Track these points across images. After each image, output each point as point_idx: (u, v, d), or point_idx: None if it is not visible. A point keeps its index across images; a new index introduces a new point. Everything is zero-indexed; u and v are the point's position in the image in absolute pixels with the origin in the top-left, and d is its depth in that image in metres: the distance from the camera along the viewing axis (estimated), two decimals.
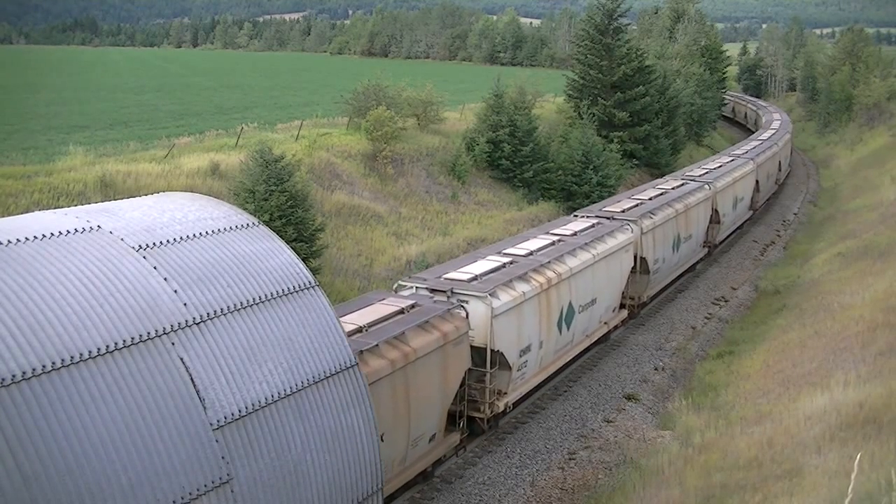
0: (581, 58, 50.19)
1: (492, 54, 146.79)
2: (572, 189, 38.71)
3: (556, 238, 22.03)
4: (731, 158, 41.71)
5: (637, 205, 27.62)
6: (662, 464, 15.38)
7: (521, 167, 38.43)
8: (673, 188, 31.46)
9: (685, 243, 29.90)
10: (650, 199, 28.84)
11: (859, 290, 23.75)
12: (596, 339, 23.05)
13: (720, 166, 38.30)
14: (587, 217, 25.40)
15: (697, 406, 18.93)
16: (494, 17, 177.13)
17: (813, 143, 76.69)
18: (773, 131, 56.44)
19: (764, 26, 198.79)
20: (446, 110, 43.48)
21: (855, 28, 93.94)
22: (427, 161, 37.03)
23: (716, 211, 33.60)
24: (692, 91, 62.42)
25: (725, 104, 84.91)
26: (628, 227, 24.69)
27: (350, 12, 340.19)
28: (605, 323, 23.47)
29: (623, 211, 26.35)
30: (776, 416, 15.60)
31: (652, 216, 26.54)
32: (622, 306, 24.81)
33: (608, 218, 25.25)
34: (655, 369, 23.05)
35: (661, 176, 41.05)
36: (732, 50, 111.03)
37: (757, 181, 41.68)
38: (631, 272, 24.71)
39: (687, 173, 36.21)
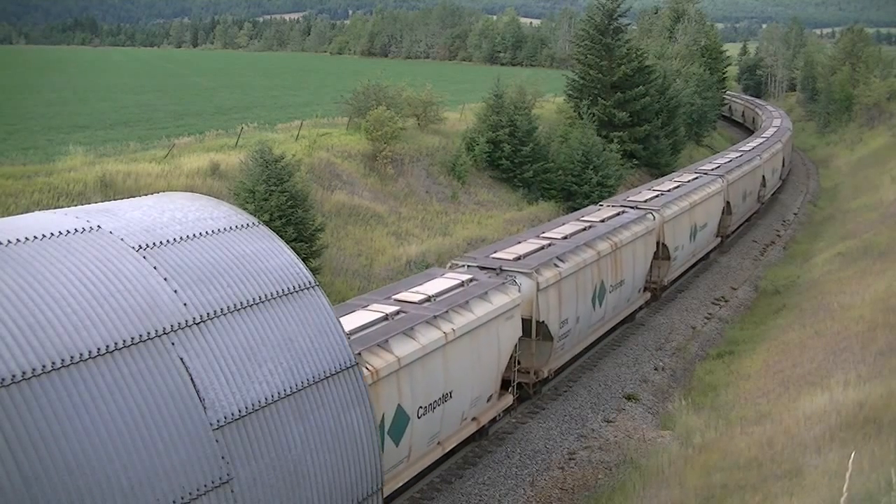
0: (581, 58, 50.19)
1: (492, 54, 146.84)
2: (572, 189, 38.71)
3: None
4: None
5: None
6: (662, 464, 15.38)
7: (521, 167, 38.43)
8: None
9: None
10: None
11: (859, 290, 23.75)
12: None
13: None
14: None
15: (697, 406, 18.93)
16: (494, 17, 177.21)
17: (813, 143, 76.69)
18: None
19: (764, 26, 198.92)
20: (446, 110, 43.49)
21: (855, 28, 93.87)
22: (427, 161, 37.03)
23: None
24: (692, 91, 62.43)
25: (725, 104, 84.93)
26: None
27: (350, 12, 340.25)
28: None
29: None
30: (776, 416, 15.60)
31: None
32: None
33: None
34: (655, 369, 23.06)
35: (662, 176, 41.16)
36: (732, 50, 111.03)
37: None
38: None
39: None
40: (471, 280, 17.55)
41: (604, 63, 48.29)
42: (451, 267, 19.47)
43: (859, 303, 22.15)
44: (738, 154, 43.69)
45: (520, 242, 21.40)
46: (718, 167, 37.79)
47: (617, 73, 48.00)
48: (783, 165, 52.50)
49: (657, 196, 29.22)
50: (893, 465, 9.32)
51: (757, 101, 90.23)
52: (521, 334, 18.15)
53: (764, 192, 44.69)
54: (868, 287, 23.53)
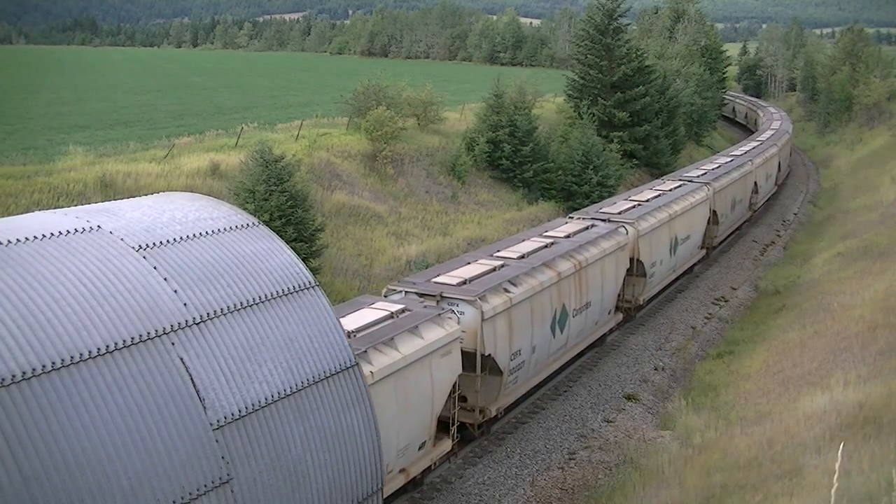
0: (581, 58, 50.20)
1: (492, 54, 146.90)
2: (572, 189, 38.72)
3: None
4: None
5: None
6: (662, 464, 15.38)
7: (521, 167, 38.43)
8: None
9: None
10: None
11: (859, 290, 23.76)
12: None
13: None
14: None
15: (697, 406, 18.94)
16: (494, 17, 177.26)
17: (813, 143, 76.70)
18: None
19: (764, 26, 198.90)
20: (446, 110, 43.49)
21: (855, 28, 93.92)
22: (427, 161, 37.03)
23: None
24: (692, 91, 62.45)
25: (726, 104, 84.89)
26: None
27: (350, 12, 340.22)
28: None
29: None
30: (776, 416, 15.60)
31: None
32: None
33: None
34: (655, 369, 23.06)
35: (662, 175, 41.12)
36: (732, 50, 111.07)
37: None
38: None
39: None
40: (402, 311, 15.56)
41: (604, 63, 48.30)
42: (385, 294, 17.45)
43: (859, 303, 22.15)
44: (728, 159, 41.42)
45: (469, 264, 19.31)
46: (705, 174, 35.67)
47: (617, 73, 48.02)
48: (779, 170, 50.54)
49: (633, 207, 27.22)
50: (893, 465, 9.33)
51: (760, 102, 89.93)
52: (461, 370, 16.17)
53: (756, 198, 42.54)
54: (868, 287, 23.53)
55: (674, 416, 18.97)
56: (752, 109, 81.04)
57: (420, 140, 38.52)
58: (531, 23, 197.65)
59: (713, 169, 37.25)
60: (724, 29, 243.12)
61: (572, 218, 25.62)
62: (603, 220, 24.90)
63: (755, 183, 41.28)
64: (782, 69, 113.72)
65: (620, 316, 24.89)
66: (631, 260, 24.65)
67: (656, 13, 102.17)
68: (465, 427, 17.64)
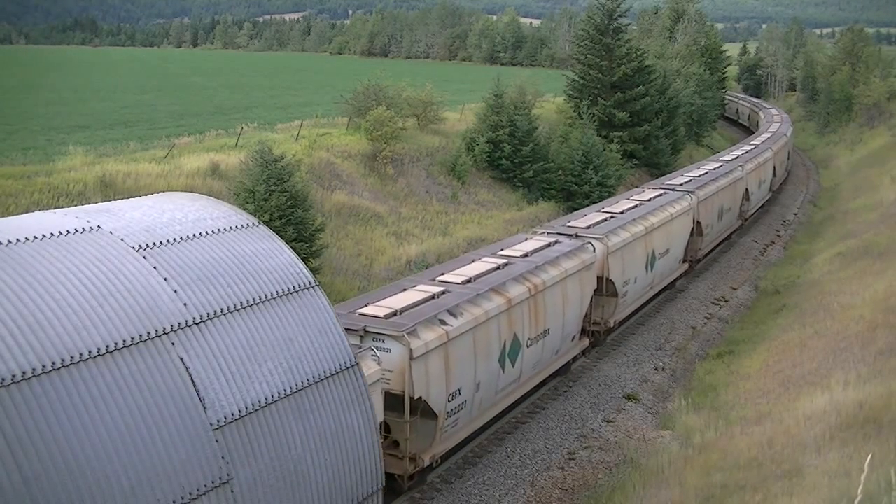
0: (581, 58, 50.21)
1: (492, 54, 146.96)
2: (572, 189, 38.72)
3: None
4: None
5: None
6: (662, 464, 15.38)
7: (521, 167, 38.43)
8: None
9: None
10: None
11: (859, 290, 23.76)
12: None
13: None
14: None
15: (697, 406, 18.93)
16: (494, 18, 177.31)
17: (813, 143, 76.71)
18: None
19: (764, 26, 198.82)
20: (446, 110, 43.49)
21: (855, 28, 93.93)
22: (427, 161, 37.03)
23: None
24: (692, 91, 62.46)
25: (726, 104, 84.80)
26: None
27: (350, 12, 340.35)
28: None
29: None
30: (776, 416, 15.61)
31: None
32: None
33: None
34: (655, 369, 23.06)
35: (662, 176, 41.12)
36: (732, 50, 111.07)
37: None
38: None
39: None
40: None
41: (604, 63, 48.31)
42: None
43: (859, 303, 22.15)
44: (718, 165, 38.79)
45: (405, 290, 17.15)
46: (689, 181, 33.16)
47: (617, 73, 48.02)
48: (774, 175, 48.43)
49: (605, 220, 24.81)
50: (893, 464, 9.32)
51: (764, 104, 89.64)
52: (382, 419, 14.10)
53: (748, 206, 39.85)
54: (868, 287, 23.53)
55: (674, 416, 18.97)
56: (754, 110, 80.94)
57: (420, 140, 38.52)
58: (531, 23, 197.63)
59: (699, 176, 34.91)
60: (724, 29, 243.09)
61: (536, 233, 23.52)
62: (569, 236, 22.68)
63: (746, 190, 38.99)
64: (782, 69, 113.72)
65: (587, 341, 22.54)
66: (599, 279, 22.50)
67: (656, 13, 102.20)
68: (395, 479, 15.28)
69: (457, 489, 16.20)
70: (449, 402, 15.95)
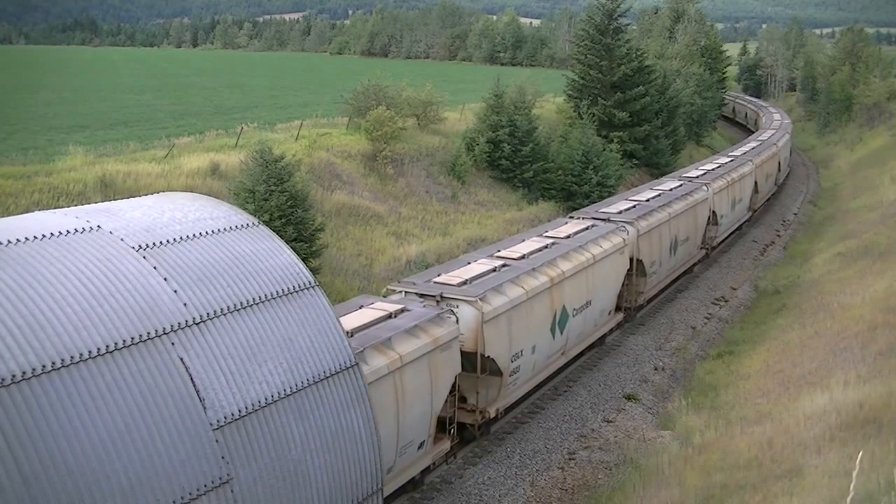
0: (581, 58, 50.22)
1: (492, 54, 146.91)
2: (572, 189, 38.72)
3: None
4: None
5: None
6: (662, 464, 15.38)
7: (521, 167, 38.44)
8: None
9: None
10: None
11: (859, 290, 23.75)
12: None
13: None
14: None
15: (697, 406, 18.93)
16: (494, 18, 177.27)
17: (813, 143, 76.71)
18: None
19: (764, 26, 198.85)
20: (446, 110, 43.48)
21: (855, 28, 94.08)
22: (427, 161, 37.03)
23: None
24: (692, 91, 62.46)
25: (726, 104, 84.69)
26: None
27: (350, 12, 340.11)
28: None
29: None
30: (776, 416, 15.61)
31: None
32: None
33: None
34: (655, 369, 23.05)
35: (662, 175, 41.12)
36: (732, 50, 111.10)
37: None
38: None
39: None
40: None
41: (604, 63, 48.32)
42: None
43: (859, 303, 22.15)
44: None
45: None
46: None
47: (617, 73, 48.02)
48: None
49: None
50: (893, 465, 9.33)
51: (760, 103, 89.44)
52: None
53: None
54: (868, 287, 23.52)
55: (674, 416, 18.97)
56: (754, 110, 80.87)
57: (420, 140, 38.51)
58: (531, 23, 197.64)
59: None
60: (724, 29, 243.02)
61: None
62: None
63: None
64: (782, 69, 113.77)
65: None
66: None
67: (656, 13, 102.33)
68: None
69: (457, 489, 16.19)
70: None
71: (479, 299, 16.67)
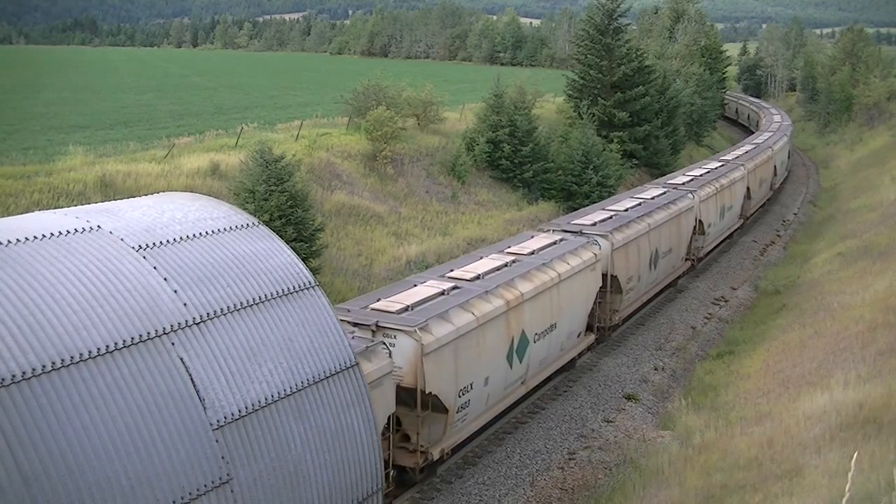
0: (581, 58, 50.22)
1: (492, 54, 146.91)
2: (572, 189, 38.72)
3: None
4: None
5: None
6: (662, 464, 15.38)
7: (521, 167, 38.44)
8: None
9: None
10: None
11: (859, 290, 23.75)
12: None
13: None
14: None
15: (697, 406, 18.93)
16: (494, 18, 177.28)
17: (813, 143, 76.70)
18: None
19: (764, 26, 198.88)
20: (446, 110, 43.49)
21: (855, 28, 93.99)
22: (427, 161, 37.03)
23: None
24: (692, 91, 62.46)
25: (728, 106, 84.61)
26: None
27: (350, 12, 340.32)
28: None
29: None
30: (776, 416, 15.61)
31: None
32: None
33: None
34: (655, 369, 23.05)
35: (662, 175, 41.10)
36: (732, 50, 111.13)
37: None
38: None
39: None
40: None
41: (604, 63, 48.33)
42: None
43: (859, 303, 22.15)
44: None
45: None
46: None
47: (617, 73, 48.03)
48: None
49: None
50: (893, 465, 9.33)
51: (761, 103, 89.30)
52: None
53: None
54: (868, 287, 23.53)
55: (674, 416, 18.97)
56: (756, 112, 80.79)
57: (420, 140, 38.52)
58: (531, 23, 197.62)
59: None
60: (724, 29, 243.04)
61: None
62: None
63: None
64: (782, 69, 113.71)
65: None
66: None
67: (656, 13, 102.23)
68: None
69: (457, 489, 16.19)
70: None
71: (419, 329, 14.81)
